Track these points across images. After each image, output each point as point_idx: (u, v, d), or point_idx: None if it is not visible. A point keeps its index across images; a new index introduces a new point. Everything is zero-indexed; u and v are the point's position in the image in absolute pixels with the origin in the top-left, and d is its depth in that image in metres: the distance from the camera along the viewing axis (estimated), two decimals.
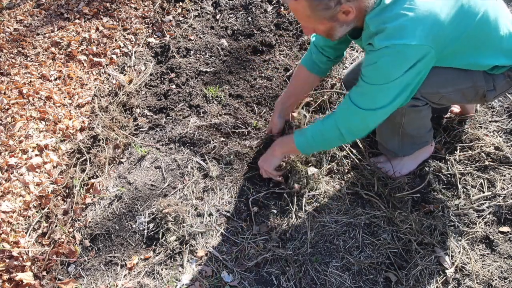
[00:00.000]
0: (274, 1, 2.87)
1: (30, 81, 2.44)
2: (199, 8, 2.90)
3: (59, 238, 1.76)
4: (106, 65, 2.59)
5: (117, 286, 1.58)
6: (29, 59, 2.59)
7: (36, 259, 1.73)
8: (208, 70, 2.42)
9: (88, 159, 2.03)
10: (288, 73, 2.36)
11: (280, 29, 2.68)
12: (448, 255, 1.60)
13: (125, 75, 2.50)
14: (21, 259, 1.70)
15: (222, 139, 2.04)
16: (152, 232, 1.71)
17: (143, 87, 2.39)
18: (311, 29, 1.40)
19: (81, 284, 1.62)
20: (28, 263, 1.69)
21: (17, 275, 1.64)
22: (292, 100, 1.92)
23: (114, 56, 2.63)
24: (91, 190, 1.92)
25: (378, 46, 1.25)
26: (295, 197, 1.78)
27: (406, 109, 1.55)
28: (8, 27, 2.77)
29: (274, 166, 1.74)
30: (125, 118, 2.24)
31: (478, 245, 1.65)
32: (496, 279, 1.54)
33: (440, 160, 1.90)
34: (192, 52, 2.54)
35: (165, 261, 1.64)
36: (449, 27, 1.27)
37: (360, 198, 1.78)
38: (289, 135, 1.70)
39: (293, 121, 1.95)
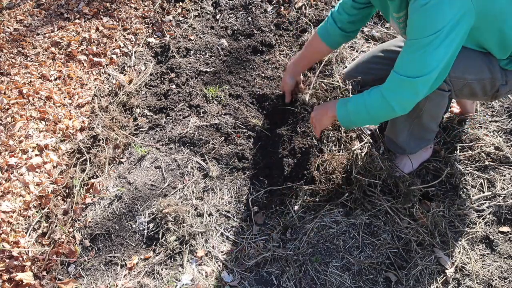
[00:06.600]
0: (274, 1, 2.87)
1: (30, 81, 2.44)
2: (199, 8, 2.90)
3: (59, 238, 1.76)
4: (106, 65, 2.59)
5: (117, 286, 1.58)
6: (29, 59, 2.59)
7: (36, 259, 1.73)
8: (208, 70, 2.41)
9: (88, 159, 2.03)
10: None
11: (280, 29, 2.68)
12: (448, 255, 1.60)
13: (125, 75, 2.50)
14: (21, 259, 1.70)
15: (222, 139, 2.04)
16: (152, 232, 1.71)
17: (143, 87, 2.39)
18: None
19: (81, 284, 1.62)
20: (28, 263, 1.69)
21: (17, 275, 1.64)
22: (304, 62, 2.02)
23: (114, 56, 2.63)
24: (91, 190, 1.92)
25: None
26: (296, 197, 1.78)
27: (431, 94, 1.54)
28: (8, 27, 2.77)
29: (324, 126, 1.76)
30: (125, 118, 2.23)
31: (478, 245, 1.65)
32: (496, 279, 1.54)
33: (440, 161, 1.90)
34: (192, 52, 2.54)
35: (165, 261, 1.64)
36: None
37: (360, 198, 1.78)
38: (335, 100, 1.67)
39: (302, 92, 2.08)
